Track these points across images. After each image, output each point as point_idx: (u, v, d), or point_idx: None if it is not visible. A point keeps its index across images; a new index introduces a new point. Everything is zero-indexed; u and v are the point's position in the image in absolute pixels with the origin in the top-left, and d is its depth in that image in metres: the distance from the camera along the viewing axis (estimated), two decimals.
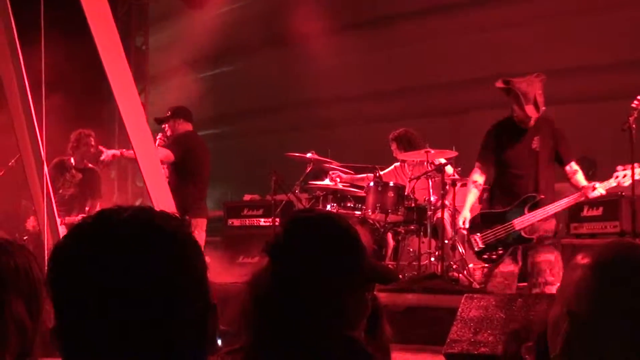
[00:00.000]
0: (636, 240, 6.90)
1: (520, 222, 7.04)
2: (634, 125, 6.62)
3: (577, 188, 7.21)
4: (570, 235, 9.36)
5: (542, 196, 7.01)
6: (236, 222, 12.00)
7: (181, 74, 17.47)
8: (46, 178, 6.16)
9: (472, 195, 7.63)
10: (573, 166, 7.25)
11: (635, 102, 6.68)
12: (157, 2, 15.94)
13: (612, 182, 6.94)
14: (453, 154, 9.38)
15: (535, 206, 6.98)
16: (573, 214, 9.66)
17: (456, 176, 9.44)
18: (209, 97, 17.03)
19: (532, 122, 7.20)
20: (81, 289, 1.35)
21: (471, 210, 7.65)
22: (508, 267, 7.25)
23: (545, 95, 7.22)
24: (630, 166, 6.68)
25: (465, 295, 6.42)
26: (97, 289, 1.33)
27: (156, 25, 16.45)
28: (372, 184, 9.41)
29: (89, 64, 6.61)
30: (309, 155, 10.11)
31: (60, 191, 9.45)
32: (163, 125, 9.50)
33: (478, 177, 7.62)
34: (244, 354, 2.09)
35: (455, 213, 9.46)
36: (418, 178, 9.45)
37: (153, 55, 16.04)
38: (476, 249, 7.49)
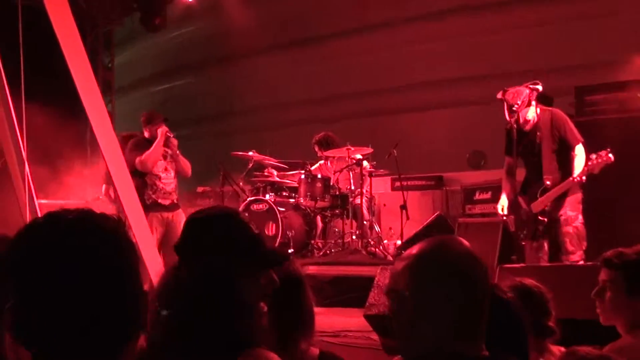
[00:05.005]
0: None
1: (535, 206, 6.68)
2: (514, 126, 6.60)
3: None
4: (465, 215, 9.50)
5: (548, 182, 6.58)
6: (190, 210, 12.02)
7: (142, 87, 17.37)
8: (27, 178, 6.03)
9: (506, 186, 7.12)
10: (576, 150, 6.59)
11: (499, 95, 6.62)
12: (121, 27, 15.77)
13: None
14: (369, 150, 9.44)
15: (544, 191, 6.58)
16: (467, 197, 9.82)
17: (371, 169, 9.52)
18: (165, 106, 16.98)
19: (528, 127, 6.71)
20: (34, 280, 1.36)
21: None
22: (536, 243, 6.80)
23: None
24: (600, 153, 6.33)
25: (380, 266, 6.47)
26: (48, 279, 1.35)
27: (121, 46, 16.29)
28: (303, 176, 9.46)
29: (63, 81, 6.45)
30: (250, 153, 10.08)
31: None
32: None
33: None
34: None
35: (371, 199, 9.57)
36: (341, 171, 9.53)
37: (118, 72, 15.86)
38: (512, 230, 7.06)
